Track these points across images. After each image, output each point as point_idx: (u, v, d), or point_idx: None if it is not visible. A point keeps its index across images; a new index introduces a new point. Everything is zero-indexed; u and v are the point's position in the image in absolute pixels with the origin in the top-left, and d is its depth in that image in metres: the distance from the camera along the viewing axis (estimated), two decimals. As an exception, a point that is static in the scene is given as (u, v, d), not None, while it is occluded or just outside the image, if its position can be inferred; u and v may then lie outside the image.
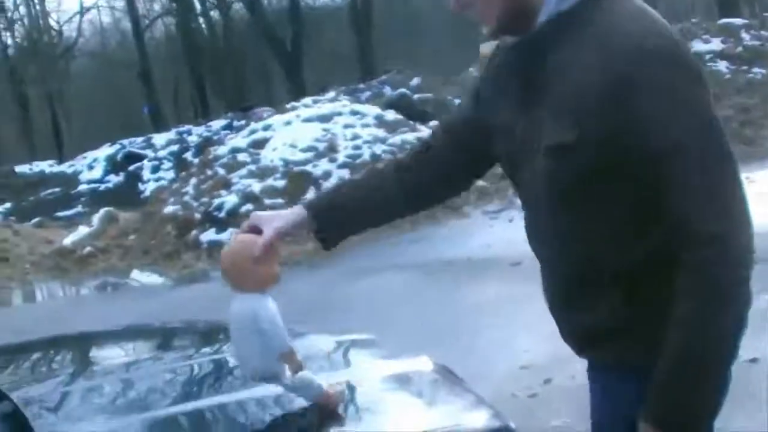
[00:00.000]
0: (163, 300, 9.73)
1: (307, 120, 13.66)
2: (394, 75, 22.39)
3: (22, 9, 41.61)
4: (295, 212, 2.01)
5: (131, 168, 22.86)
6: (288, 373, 1.90)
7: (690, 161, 1.61)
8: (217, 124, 24.43)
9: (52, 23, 42.61)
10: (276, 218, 1.97)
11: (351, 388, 2.10)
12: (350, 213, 2.06)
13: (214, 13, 40.43)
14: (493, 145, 1.95)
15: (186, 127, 25.85)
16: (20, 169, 25.31)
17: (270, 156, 12.77)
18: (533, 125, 1.77)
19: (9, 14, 41.18)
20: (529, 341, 5.54)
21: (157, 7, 43.49)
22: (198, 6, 39.60)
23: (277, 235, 1.92)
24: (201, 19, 40.31)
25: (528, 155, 1.80)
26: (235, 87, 36.90)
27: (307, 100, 17.49)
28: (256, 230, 1.94)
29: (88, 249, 13.56)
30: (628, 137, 1.63)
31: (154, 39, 43.83)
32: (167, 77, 41.99)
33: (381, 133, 13.52)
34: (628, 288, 1.76)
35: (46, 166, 26.18)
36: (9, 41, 41.97)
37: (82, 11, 43.16)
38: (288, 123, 13.60)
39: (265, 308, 1.88)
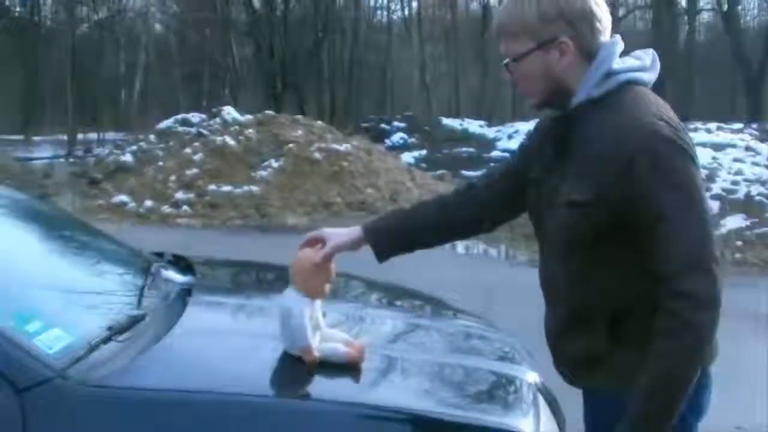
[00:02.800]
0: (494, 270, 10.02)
1: (701, 144, 13.30)
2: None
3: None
4: (353, 231, 2.53)
5: (543, 147, 23.06)
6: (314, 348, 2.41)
7: (674, 228, 2.00)
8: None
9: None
10: (336, 235, 2.51)
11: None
12: (397, 235, 2.55)
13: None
14: (524, 196, 2.38)
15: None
16: (449, 122, 26.85)
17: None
18: (558, 184, 2.18)
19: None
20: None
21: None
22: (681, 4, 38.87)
23: (334, 250, 2.47)
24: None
25: (551, 208, 2.21)
26: (684, 96, 35.87)
27: (712, 125, 16.76)
28: (320, 241, 2.49)
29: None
30: (629, 202, 2.03)
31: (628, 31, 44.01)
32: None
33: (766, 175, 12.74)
34: (614, 325, 2.16)
35: (476, 126, 27.46)
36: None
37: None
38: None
39: (299, 307, 2.40)
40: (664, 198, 2.00)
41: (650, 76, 2.22)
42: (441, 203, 2.60)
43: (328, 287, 2.48)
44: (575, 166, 2.14)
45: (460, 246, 12.16)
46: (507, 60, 2.22)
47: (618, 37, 2.21)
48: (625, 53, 2.24)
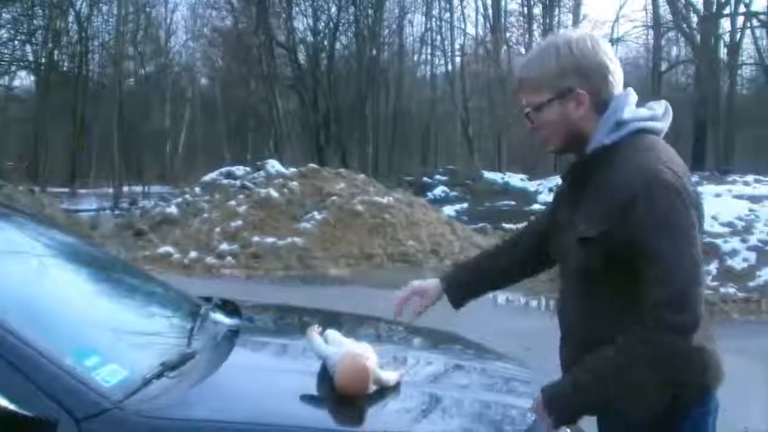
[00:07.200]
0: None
1: (738, 197, 13.36)
2: None
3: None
4: (436, 284, 2.85)
5: (584, 201, 23.12)
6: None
7: (667, 267, 2.16)
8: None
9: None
10: (426, 291, 2.85)
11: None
12: (470, 284, 2.88)
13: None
14: (549, 240, 2.62)
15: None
16: (490, 176, 27.03)
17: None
18: (574, 222, 2.37)
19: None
20: None
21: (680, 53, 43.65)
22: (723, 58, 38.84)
23: (430, 303, 2.85)
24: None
25: (569, 244, 2.39)
26: (725, 149, 35.86)
27: (750, 177, 16.75)
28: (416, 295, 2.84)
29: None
30: (629, 240, 2.20)
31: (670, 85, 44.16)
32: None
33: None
34: None
35: (518, 179, 27.62)
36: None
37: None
38: (717, 195, 13.30)
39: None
40: (659, 239, 2.17)
41: (661, 125, 2.41)
42: (496, 252, 2.92)
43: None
44: (587, 206, 2.33)
45: (501, 297, 12.25)
46: (527, 110, 2.44)
47: (630, 89, 2.42)
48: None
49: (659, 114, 2.42)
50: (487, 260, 2.92)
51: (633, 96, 2.40)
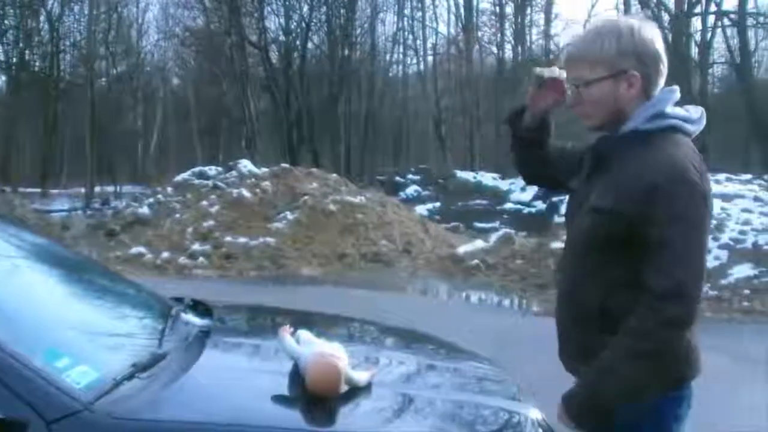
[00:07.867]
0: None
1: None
2: None
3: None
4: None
5: (554, 199, 23.28)
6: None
7: (673, 255, 2.30)
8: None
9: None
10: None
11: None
12: (536, 146, 2.89)
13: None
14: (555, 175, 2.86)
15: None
16: (463, 175, 27.08)
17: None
18: (589, 193, 2.52)
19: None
20: None
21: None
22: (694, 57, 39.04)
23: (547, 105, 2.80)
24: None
25: (580, 213, 2.54)
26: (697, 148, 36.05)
27: (721, 176, 16.89)
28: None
29: (476, 261, 14.35)
30: (640, 220, 2.33)
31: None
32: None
33: (774, 225, 12.86)
34: (606, 322, 2.43)
35: (490, 178, 27.63)
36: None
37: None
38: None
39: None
40: (672, 229, 2.31)
41: (694, 128, 2.54)
42: (549, 146, 2.92)
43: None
44: (606, 181, 2.47)
45: (474, 297, 12.31)
46: (578, 84, 2.53)
47: (676, 87, 2.57)
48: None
49: (694, 118, 2.54)
50: (549, 143, 2.92)
51: (677, 94, 2.54)
